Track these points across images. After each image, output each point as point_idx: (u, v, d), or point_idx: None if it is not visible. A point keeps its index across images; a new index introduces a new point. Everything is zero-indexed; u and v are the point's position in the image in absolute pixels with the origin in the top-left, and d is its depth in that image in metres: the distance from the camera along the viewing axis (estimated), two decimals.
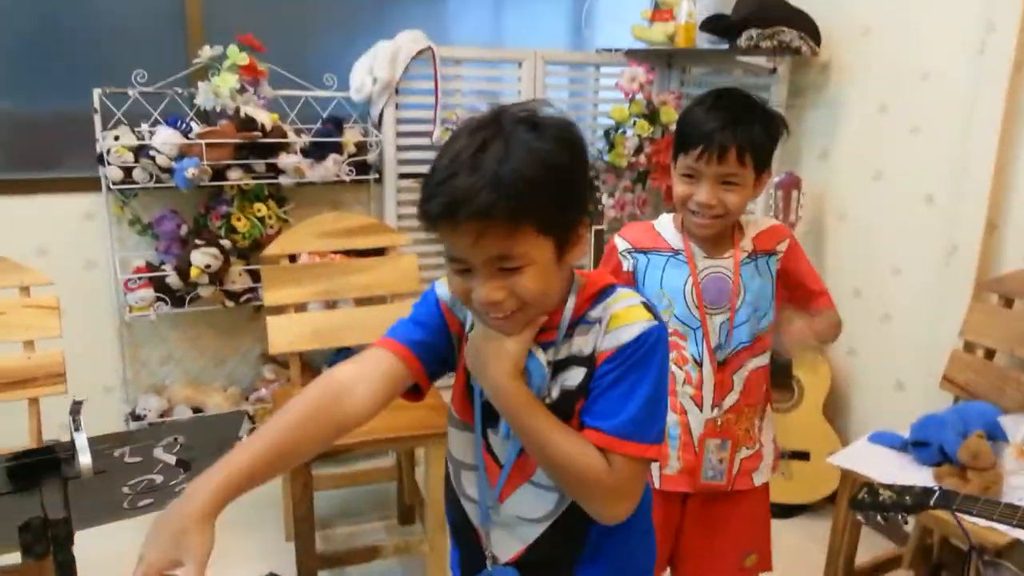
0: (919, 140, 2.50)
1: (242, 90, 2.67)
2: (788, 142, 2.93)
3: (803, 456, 2.76)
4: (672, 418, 1.67)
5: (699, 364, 1.64)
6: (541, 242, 0.96)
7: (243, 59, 2.66)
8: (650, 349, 1.01)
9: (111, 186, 2.59)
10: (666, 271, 1.64)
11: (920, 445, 2.02)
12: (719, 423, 1.66)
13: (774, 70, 2.61)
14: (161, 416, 2.79)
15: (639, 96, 2.98)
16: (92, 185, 2.66)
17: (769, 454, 1.75)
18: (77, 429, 1.06)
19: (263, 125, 2.64)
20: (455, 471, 1.17)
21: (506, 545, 1.13)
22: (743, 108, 1.54)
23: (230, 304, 2.78)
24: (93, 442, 1.07)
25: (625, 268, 1.67)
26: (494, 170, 0.91)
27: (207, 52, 2.65)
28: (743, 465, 1.70)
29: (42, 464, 1.06)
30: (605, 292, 1.06)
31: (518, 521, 1.11)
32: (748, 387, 1.66)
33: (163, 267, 2.68)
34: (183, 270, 2.62)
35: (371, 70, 2.82)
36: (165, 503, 1.36)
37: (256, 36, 2.71)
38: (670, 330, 1.64)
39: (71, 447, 1.09)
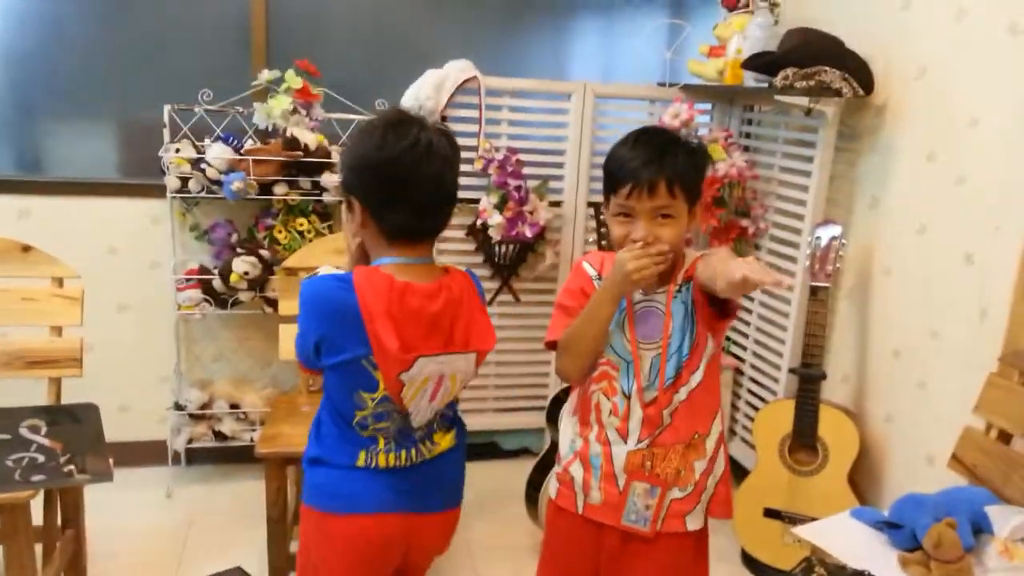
0: (963, 192, 2.27)
1: (295, 111, 2.86)
2: (839, 188, 2.76)
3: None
4: (596, 448, 1.67)
5: (627, 397, 1.63)
6: None
7: (298, 83, 2.84)
8: None
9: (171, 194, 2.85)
10: None
11: (894, 527, 1.83)
12: (647, 465, 1.62)
13: (809, 111, 2.46)
14: (201, 408, 3.01)
15: (683, 132, 2.89)
16: (160, 192, 2.92)
17: (704, 498, 1.68)
18: None
19: (306, 145, 2.81)
20: None
21: None
22: (665, 142, 1.56)
23: (269, 310, 2.96)
24: None
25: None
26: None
27: (265, 75, 2.86)
28: (672, 507, 1.66)
29: None
30: None
31: None
32: (678, 421, 1.63)
33: (213, 271, 2.90)
34: (225, 275, 2.83)
35: (418, 97, 2.92)
36: (58, 482, 1.50)
37: (314, 61, 2.89)
38: (603, 360, 1.65)
39: None
